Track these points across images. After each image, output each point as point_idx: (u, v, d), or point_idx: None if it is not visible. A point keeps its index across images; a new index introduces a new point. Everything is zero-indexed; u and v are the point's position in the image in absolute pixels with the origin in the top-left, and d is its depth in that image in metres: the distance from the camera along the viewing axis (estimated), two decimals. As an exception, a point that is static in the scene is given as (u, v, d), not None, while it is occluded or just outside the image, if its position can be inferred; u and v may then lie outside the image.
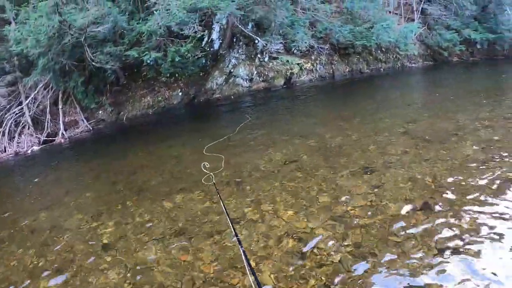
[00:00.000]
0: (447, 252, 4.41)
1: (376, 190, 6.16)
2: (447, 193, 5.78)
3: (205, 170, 8.06)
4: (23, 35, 14.71)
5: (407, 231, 4.92)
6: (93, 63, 15.63)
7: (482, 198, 5.51)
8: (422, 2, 25.73)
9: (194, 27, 16.00)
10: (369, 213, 5.48)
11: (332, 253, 4.69)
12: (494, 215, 5.05)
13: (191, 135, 12.90)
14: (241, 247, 4.38)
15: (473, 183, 5.99)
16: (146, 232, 6.02)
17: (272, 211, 5.96)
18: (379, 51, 24.00)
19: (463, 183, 6.06)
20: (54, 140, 16.46)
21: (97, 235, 6.22)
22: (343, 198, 6.03)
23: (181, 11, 14.76)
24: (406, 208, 5.51)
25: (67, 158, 13.81)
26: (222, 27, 19.66)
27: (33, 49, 14.81)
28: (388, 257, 4.47)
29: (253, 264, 4.63)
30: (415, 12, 25.62)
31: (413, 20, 25.23)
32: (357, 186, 6.39)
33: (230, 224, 5.28)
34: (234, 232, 5.02)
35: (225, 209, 5.82)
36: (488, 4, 26.96)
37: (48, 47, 14.97)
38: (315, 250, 4.79)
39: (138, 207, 7.03)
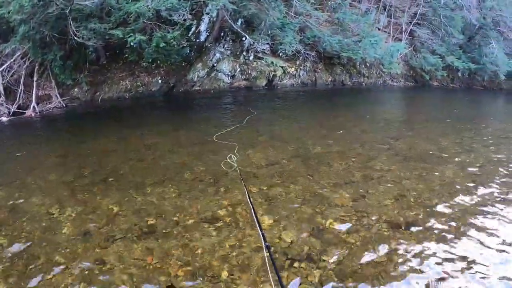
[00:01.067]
0: (429, 272, 4.30)
1: (355, 203, 5.95)
2: (429, 214, 5.69)
3: (230, 161, 7.72)
4: (6, -2, 14.02)
5: (387, 251, 4.70)
6: (75, 38, 14.88)
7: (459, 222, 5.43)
8: (412, 24, 25.89)
9: (184, 14, 15.50)
10: (348, 227, 5.25)
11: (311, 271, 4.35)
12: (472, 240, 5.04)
13: (167, 125, 12.31)
14: (265, 242, 4.06)
15: (454, 206, 6.00)
16: (111, 226, 5.39)
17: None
18: (363, 66, 24.06)
19: (446, 204, 6.03)
20: (25, 113, 15.64)
21: (56, 224, 5.50)
22: (322, 210, 5.73)
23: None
24: (387, 226, 5.28)
25: (35, 134, 12.88)
26: (211, 19, 19.20)
27: (16, 14, 13.99)
28: (368, 279, 4.19)
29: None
30: (403, 32, 25.75)
31: (400, 40, 25.42)
32: (337, 198, 6.13)
33: (255, 219, 4.96)
34: (258, 224, 4.76)
35: (249, 197, 5.64)
36: (475, 35, 27.42)
37: (31, 15, 14.19)
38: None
39: (105, 196, 6.38)
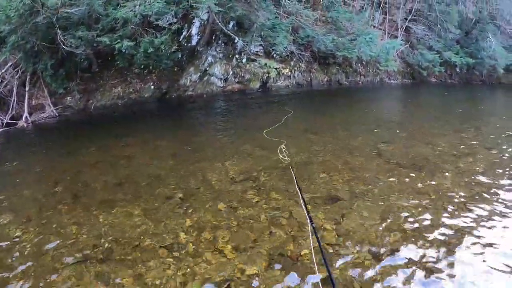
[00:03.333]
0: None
1: (338, 226, 5.13)
2: (418, 238, 4.83)
3: (281, 157, 7.46)
4: (-8, 9, 13.61)
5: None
6: (64, 46, 14.54)
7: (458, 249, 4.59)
8: (407, 21, 25.20)
9: (169, 19, 15.00)
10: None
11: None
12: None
13: (154, 134, 11.55)
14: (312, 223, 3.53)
15: (450, 225, 5.11)
16: (67, 249, 4.94)
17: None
18: (359, 64, 23.27)
19: (440, 222, 5.20)
20: (17, 123, 15.25)
21: (16, 245, 5.17)
22: (298, 234, 4.98)
23: (157, 1, 13.79)
24: (371, 253, 4.51)
25: (23, 145, 12.41)
26: (202, 23, 18.65)
27: (3, 25, 13.73)
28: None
29: None
30: (399, 29, 25.04)
31: (396, 37, 24.64)
32: (317, 218, 5.29)
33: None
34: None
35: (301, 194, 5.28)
36: (471, 29, 26.66)
37: (19, 25, 13.81)
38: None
39: (68, 215, 5.92)
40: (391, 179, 6.72)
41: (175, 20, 15.45)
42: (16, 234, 5.49)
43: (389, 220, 5.25)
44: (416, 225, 5.14)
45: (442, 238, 4.82)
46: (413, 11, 25.30)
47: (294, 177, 6.52)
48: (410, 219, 5.28)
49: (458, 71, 27.07)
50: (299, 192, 5.77)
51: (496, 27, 26.98)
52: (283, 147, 8.25)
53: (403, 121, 12.89)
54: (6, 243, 5.28)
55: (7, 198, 6.97)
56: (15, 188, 7.55)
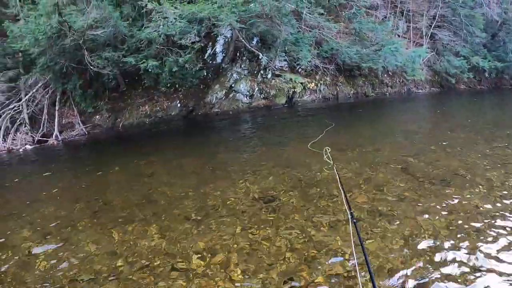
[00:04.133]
0: None
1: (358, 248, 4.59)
2: (447, 262, 4.35)
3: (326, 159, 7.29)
4: (22, 32, 13.98)
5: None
6: (91, 67, 14.83)
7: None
8: (432, 27, 24.62)
9: (192, 37, 15.06)
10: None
11: None
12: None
13: (177, 152, 11.57)
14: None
15: (481, 249, 4.54)
16: (81, 267, 4.91)
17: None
18: (385, 75, 22.78)
19: (468, 244, 4.67)
20: (48, 141, 15.65)
21: (32, 261, 5.24)
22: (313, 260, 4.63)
23: (179, 20, 13.88)
24: (394, 281, 4.09)
25: (50, 162, 12.66)
26: (226, 40, 18.70)
27: (32, 47, 14.16)
28: None
29: None
30: (424, 37, 24.45)
31: (421, 45, 23.96)
32: (335, 241, 4.92)
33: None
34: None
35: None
36: (498, 31, 25.85)
37: (48, 47, 14.25)
38: None
39: (85, 232, 5.96)
40: (416, 196, 6.22)
41: (197, 38, 15.47)
42: (33, 249, 5.58)
43: (414, 243, 4.79)
44: (444, 248, 4.64)
45: (474, 263, 4.32)
46: (437, 17, 24.60)
47: (338, 176, 6.13)
48: (437, 242, 4.78)
49: (487, 76, 26.24)
50: (342, 192, 5.33)
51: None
52: (328, 149, 8.04)
53: (431, 132, 12.24)
54: (22, 257, 5.39)
55: (30, 213, 7.16)
56: (38, 203, 7.74)
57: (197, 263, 4.75)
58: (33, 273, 4.90)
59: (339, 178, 5.42)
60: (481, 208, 5.64)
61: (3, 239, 6.07)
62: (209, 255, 4.91)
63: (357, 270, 3.02)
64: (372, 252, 4.64)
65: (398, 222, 5.36)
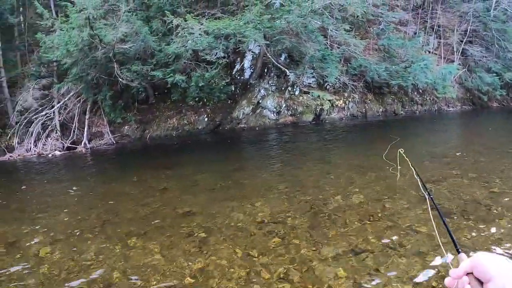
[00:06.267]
0: None
1: (367, 284, 4.24)
2: None
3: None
4: (55, 43, 14.37)
5: None
6: (120, 79, 14.93)
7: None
8: (463, 43, 23.70)
9: (218, 53, 14.97)
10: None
11: None
12: None
13: (196, 167, 11.27)
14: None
15: None
16: (80, 274, 4.96)
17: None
18: (415, 93, 21.93)
19: None
20: (76, 148, 15.90)
21: (38, 265, 5.31)
22: None
23: (204, 36, 13.81)
24: None
25: (74, 169, 13.04)
26: (254, 56, 18.51)
27: (64, 58, 14.49)
28: None
29: None
30: (455, 53, 23.51)
31: (452, 61, 22.94)
32: (339, 278, 4.40)
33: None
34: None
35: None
36: (531, 46, 24.65)
37: (79, 58, 14.54)
38: None
39: (91, 242, 5.97)
40: (431, 230, 5.39)
41: (222, 54, 15.36)
42: (40, 254, 5.67)
43: (423, 285, 4.20)
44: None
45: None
46: (468, 32, 23.54)
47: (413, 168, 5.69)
48: None
49: (520, 93, 25.21)
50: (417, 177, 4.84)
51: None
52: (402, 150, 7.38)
53: (457, 154, 11.04)
54: (29, 261, 5.48)
55: (43, 219, 7.34)
56: (54, 210, 7.90)
57: (190, 284, 4.55)
58: (34, 276, 5.01)
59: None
60: (504, 243, 5.04)
61: (15, 242, 6.23)
62: (202, 278, 4.65)
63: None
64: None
65: (409, 260, 4.80)
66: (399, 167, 6.44)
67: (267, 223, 6.19)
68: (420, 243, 5.17)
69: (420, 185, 2.34)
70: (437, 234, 1.82)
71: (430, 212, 2.44)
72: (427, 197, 2.10)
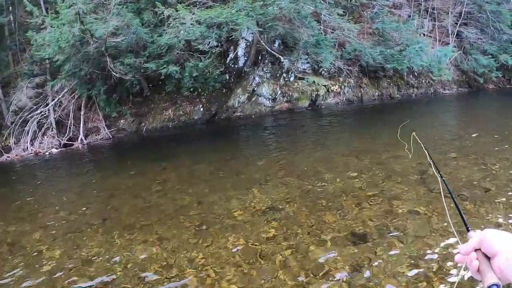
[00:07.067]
0: None
1: (365, 268, 4.25)
2: None
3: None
4: (45, 41, 14.14)
5: None
6: (114, 73, 14.73)
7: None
8: (458, 25, 23.38)
9: (211, 42, 14.76)
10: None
11: None
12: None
13: (194, 158, 11.15)
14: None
15: None
16: (80, 271, 4.99)
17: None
18: (411, 76, 21.64)
19: None
20: (73, 144, 15.74)
21: (38, 262, 5.39)
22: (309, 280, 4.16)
23: (197, 26, 13.59)
24: None
25: (72, 166, 13.03)
26: (248, 44, 18.29)
27: (56, 55, 14.26)
28: None
29: None
30: (450, 35, 23.25)
31: (447, 43, 22.65)
32: (340, 261, 4.40)
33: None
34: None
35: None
36: (526, 27, 24.36)
37: (71, 54, 14.33)
38: None
39: (90, 237, 6.02)
40: (429, 213, 5.50)
41: (215, 43, 15.17)
42: (40, 250, 5.76)
43: (422, 267, 4.19)
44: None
45: None
46: (462, 15, 23.15)
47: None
48: (448, 264, 4.17)
49: (516, 74, 24.95)
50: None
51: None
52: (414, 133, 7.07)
53: (455, 138, 10.96)
54: (29, 257, 5.58)
55: (42, 216, 7.42)
56: (52, 207, 7.98)
57: (190, 275, 4.56)
58: (34, 272, 5.09)
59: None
60: (502, 227, 5.05)
61: (16, 240, 6.30)
62: (202, 268, 4.66)
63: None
64: (374, 276, 4.22)
65: (405, 244, 4.85)
66: (412, 148, 6.26)
67: (266, 211, 6.16)
68: (420, 225, 5.14)
69: (432, 167, 2.26)
70: (447, 213, 1.87)
71: (442, 194, 2.37)
72: (439, 179, 2.02)
